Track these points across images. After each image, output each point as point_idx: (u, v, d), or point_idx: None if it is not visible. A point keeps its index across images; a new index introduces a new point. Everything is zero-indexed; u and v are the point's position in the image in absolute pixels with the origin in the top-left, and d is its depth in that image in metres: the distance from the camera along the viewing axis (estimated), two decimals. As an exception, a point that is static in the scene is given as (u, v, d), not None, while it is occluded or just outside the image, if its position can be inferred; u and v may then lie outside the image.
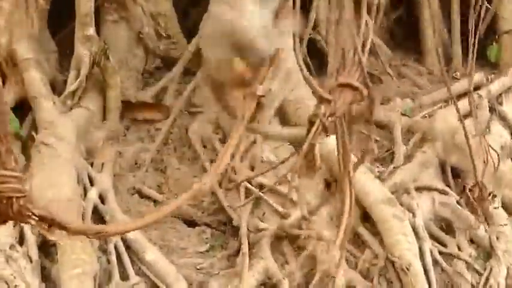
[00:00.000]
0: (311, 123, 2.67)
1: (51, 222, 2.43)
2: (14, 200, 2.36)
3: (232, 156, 4.83)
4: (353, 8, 2.69)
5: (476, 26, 4.39)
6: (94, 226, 2.98)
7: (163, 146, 5.35)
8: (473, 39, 4.40)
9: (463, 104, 5.20)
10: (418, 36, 6.35)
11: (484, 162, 4.68)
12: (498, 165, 4.75)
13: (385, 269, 4.62)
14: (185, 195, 2.70)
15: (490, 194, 4.75)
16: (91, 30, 5.16)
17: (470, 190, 4.77)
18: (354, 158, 4.60)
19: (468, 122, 4.76)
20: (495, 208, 4.90)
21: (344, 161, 2.79)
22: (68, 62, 5.27)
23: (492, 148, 4.74)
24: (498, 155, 4.78)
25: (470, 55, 4.40)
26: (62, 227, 2.47)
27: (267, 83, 2.71)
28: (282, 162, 4.20)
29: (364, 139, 5.17)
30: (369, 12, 2.68)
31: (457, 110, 4.59)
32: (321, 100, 2.66)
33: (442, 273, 4.74)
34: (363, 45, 2.74)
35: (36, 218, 2.41)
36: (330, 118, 2.64)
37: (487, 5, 5.08)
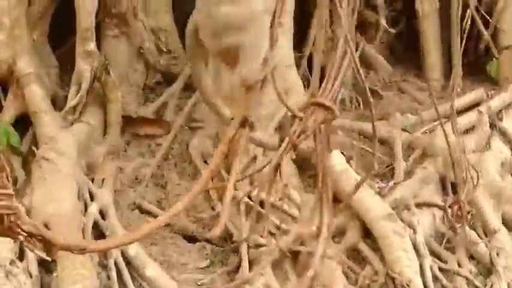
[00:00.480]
0: (281, 139, 2.72)
1: (38, 238, 2.46)
2: (5, 216, 2.39)
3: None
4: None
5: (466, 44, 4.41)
6: (80, 242, 2.99)
7: (164, 161, 5.35)
8: (457, 58, 4.42)
9: (463, 120, 5.23)
10: (419, 51, 6.35)
11: (464, 179, 4.68)
12: (477, 183, 4.74)
13: (386, 286, 4.60)
14: (177, 205, 2.71)
15: (469, 212, 4.74)
16: (92, 45, 5.16)
17: (449, 207, 4.78)
18: (356, 176, 4.65)
19: (467, 138, 4.78)
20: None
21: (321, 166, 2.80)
22: (69, 77, 5.28)
23: (472, 167, 4.74)
24: (477, 173, 4.77)
25: (452, 78, 4.42)
26: (49, 243, 2.50)
27: (254, 109, 2.74)
28: (259, 170, 4.17)
29: (365, 155, 5.20)
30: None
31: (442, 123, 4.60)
32: (293, 117, 2.72)
33: (442, 289, 4.73)
34: (340, 65, 2.79)
35: (25, 234, 2.46)
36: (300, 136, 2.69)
37: (486, 16, 5.10)
